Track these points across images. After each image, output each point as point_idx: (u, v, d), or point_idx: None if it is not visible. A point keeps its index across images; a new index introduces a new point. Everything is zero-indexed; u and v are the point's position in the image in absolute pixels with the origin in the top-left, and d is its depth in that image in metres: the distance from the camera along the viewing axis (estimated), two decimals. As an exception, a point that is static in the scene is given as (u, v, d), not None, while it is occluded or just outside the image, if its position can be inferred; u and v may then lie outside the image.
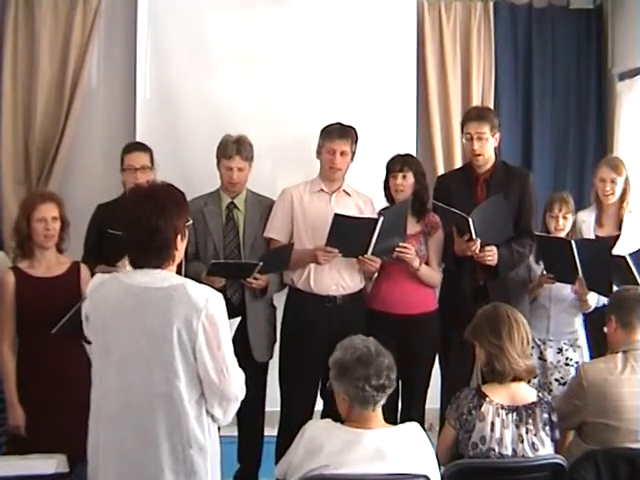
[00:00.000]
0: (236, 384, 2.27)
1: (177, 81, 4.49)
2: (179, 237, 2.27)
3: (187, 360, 2.19)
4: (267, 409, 3.82)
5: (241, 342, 3.54)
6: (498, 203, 3.58)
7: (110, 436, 2.23)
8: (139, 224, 2.21)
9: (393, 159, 3.76)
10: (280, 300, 3.81)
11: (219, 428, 3.59)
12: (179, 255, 2.31)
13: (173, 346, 2.17)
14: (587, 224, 4.02)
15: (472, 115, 3.80)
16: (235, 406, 2.31)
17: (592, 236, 3.99)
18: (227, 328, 2.26)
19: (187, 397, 2.19)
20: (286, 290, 3.80)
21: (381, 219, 3.44)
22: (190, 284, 2.24)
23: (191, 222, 2.36)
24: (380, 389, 2.36)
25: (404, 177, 3.70)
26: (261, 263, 3.47)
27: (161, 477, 2.20)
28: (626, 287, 3.24)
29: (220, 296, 2.27)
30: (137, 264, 2.26)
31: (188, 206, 2.36)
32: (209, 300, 2.21)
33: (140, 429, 2.20)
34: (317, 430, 2.42)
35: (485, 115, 3.77)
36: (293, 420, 3.39)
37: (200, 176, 4.11)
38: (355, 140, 3.71)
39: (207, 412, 2.26)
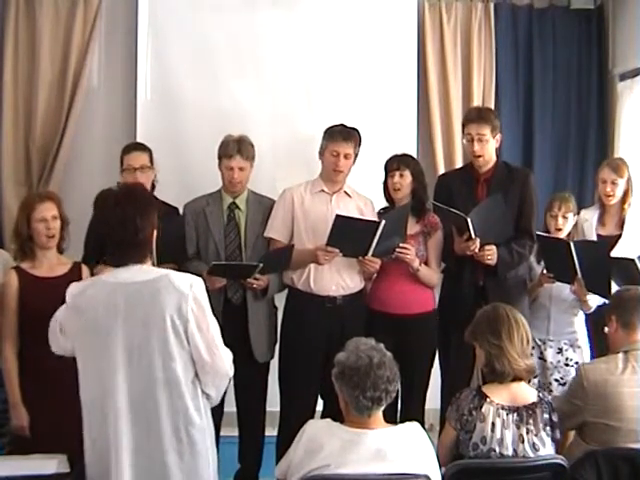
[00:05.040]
0: (226, 361, 2.42)
1: (178, 81, 4.49)
2: (154, 233, 2.42)
3: (181, 344, 2.32)
4: (267, 409, 3.82)
5: (242, 342, 3.56)
6: (497, 202, 3.59)
7: (121, 430, 2.32)
8: (124, 224, 2.33)
9: (390, 159, 3.79)
10: (282, 300, 3.81)
11: (219, 428, 3.64)
12: (153, 249, 2.45)
13: (167, 333, 2.30)
14: (589, 223, 4.04)
15: (473, 116, 3.79)
16: (226, 383, 2.47)
17: (594, 235, 4.01)
18: (210, 309, 2.39)
19: (183, 379, 2.33)
20: (287, 290, 3.80)
21: (383, 222, 3.44)
22: (172, 273, 2.38)
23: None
24: (376, 401, 2.37)
25: (401, 175, 3.71)
26: (261, 265, 3.47)
27: (167, 459, 2.32)
28: (627, 287, 3.24)
29: (201, 280, 2.40)
30: (119, 262, 2.38)
31: (156, 202, 2.53)
32: (193, 285, 2.35)
33: (146, 417, 2.31)
34: (317, 430, 2.42)
35: (486, 116, 3.76)
36: (293, 420, 3.38)
37: (200, 176, 4.12)
38: (359, 142, 3.72)
39: (202, 392, 2.39)
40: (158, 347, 2.30)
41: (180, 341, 2.31)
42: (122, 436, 2.32)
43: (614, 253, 3.73)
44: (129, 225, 2.33)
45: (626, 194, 4.02)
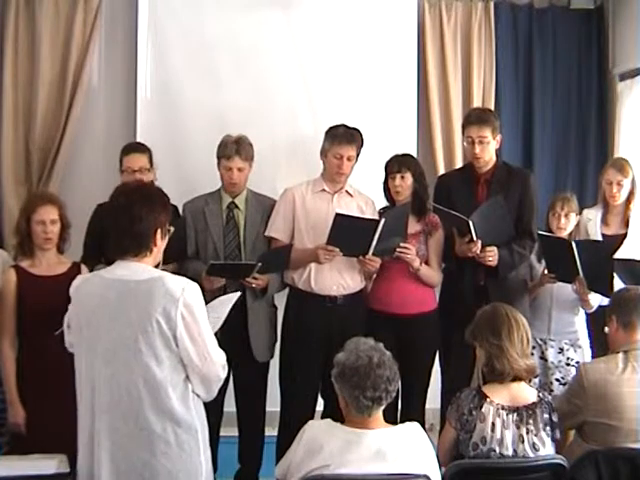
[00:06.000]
0: (218, 365, 2.40)
1: (178, 81, 4.49)
2: (159, 232, 2.38)
3: (170, 347, 2.30)
4: (267, 409, 3.82)
5: (242, 342, 3.56)
6: (498, 204, 3.58)
7: (102, 427, 2.31)
8: (124, 211, 2.33)
9: (391, 160, 3.77)
10: (281, 300, 3.81)
11: (219, 428, 3.64)
12: (157, 252, 2.42)
13: (154, 336, 2.28)
14: (593, 222, 4.05)
15: (473, 119, 3.74)
16: (218, 385, 2.43)
17: (598, 234, 4.02)
18: (205, 314, 2.37)
19: (171, 381, 2.31)
20: (287, 290, 3.80)
21: (382, 221, 3.44)
22: (167, 276, 2.35)
23: (172, 229, 2.47)
24: (376, 401, 2.37)
25: (402, 178, 3.70)
26: (259, 264, 3.47)
27: (153, 461, 2.30)
28: (627, 287, 3.24)
29: (196, 285, 2.36)
30: (116, 252, 2.37)
31: (170, 208, 2.49)
32: (185, 290, 2.31)
33: (130, 417, 2.30)
34: (317, 430, 2.42)
35: (486, 118, 3.72)
36: (293, 420, 3.38)
37: (200, 176, 4.11)
38: (361, 143, 3.71)
39: (192, 392, 2.37)
40: (145, 348, 2.27)
41: (168, 344, 2.29)
42: (105, 435, 2.30)
43: (621, 253, 3.73)
44: (129, 212, 2.32)
45: (631, 194, 4.03)
